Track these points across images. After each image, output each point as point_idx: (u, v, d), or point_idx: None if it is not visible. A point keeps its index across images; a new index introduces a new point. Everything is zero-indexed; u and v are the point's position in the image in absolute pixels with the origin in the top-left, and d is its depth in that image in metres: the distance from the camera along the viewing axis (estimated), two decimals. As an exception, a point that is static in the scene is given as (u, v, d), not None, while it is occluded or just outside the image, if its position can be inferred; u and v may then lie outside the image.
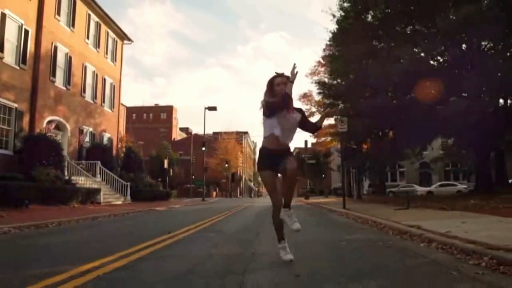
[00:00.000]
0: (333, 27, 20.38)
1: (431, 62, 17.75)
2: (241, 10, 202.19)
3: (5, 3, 15.61)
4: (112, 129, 25.74)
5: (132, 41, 28.14)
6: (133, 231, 7.50)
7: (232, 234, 6.64)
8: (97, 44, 23.37)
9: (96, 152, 21.23)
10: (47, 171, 15.10)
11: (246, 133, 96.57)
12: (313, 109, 36.16)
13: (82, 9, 21.54)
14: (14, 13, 16.07)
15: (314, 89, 37.71)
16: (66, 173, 17.71)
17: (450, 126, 16.13)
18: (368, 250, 4.84)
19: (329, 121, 34.72)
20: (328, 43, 27.14)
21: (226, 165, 64.53)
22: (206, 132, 43.57)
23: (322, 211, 15.07)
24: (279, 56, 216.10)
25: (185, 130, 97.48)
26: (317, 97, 32.54)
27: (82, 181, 18.08)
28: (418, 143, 20.28)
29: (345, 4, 18.39)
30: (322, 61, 32.65)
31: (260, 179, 3.74)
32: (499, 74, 14.52)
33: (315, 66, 34.84)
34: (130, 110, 67.36)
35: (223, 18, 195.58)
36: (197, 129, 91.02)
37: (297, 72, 3.56)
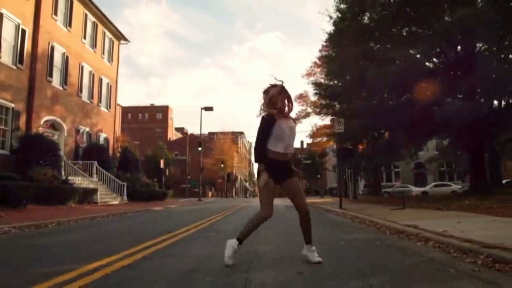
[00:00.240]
0: (330, 28, 20.53)
1: (427, 63, 17.93)
2: (237, 10, 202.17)
3: (2, 2, 15.58)
4: (109, 129, 25.73)
5: (128, 41, 28.16)
6: (133, 231, 7.56)
7: (232, 234, 6.63)
8: (93, 44, 23.36)
9: (92, 152, 21.20)
10: (44, 171, 15.10)
11: (241, 133, 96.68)
12: (309, 110, 36.32)
13: (79, 9, 21.52)
14: (11, 13, 16.04)
15: (310, 90, 37.88)
16: (63, 173, 17.71)
17: (445, 127, 16.29)
18: (367, 249, 4.94)
19: (325, 121, 35.04)
20: (324, 44, 27.37)
21: (222, 165, 64.57)
22: (200, 132, 43.54)
23: (319, 211, 15.18)
24: (275, 56, 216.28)
25: (180, 130, 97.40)
26: (313, 98, 32.69)
27: (79, 181, 18.08)
28: (413, 143, 20.45)
29: (342, 6, 18.51)
30: (318, 61, 32.80)
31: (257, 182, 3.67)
32: (493, 75, 14.69)
33: (311, 66, 34.96)
34: (125, 110, 67.16)
35: (219, 18, 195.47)
36: (192, 129, 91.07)
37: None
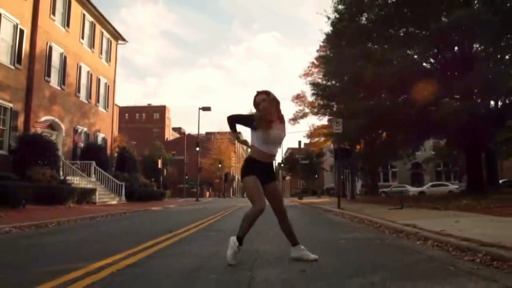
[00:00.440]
0: (328, 29, 20.63)
1: (424, 64, 18.05)
2: (234, 10, 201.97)
3: (0, 2, 15.57)
4: (107, 129, 25.73)
5: (126, 41, 28.16)
6: (134, 231, 7.60)
7: (232, 233, 6.64)
8: (91, 44, 23.35)
9: (90, 152, 21.19)
10: (43, 171, 15.11)
11: (239, 133, 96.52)
12: (306, 110, 36.42)
13: (77, 9, 21.51)
14: (9, 13, 16.03)
15: (307, 90, 37.96)
16: (61, 173, 17.71)
17: (442, 127, 16.41)
18: (367, 248, 5.01)
19: (323, 121, 35.14)
20: (322, 44, 27.45)
21: (219, 165, 64.58)
22: (197, 132, 43.64)
23: (317, 211, 15.25)
24: (271, 56, 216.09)
25: (177, 130, 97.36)
26: (310, 98, 32.76)
27: (77, 181, 18.08)
28: (411, 143, 20.57)
29: (340, 7, 18.59)
30: (315, 62, 32.90)
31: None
32: (490, 76, 14.82)
33: (308, 67, 35.10)
34: (122, 110, 67.10)
35: (216, 18, 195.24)
36: (189, 129, 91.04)
37: None
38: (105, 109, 25.36)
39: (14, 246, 5.38)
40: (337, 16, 19.08)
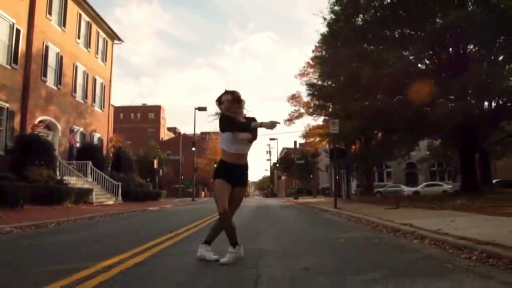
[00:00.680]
0: (324, 29, 20.74)
1: (419, 65, 18.23)
2: (229, 10, 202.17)
3: (-2, 2, 15.57)
4: (103, 129, 25.71)
5: (122, 41, 28.13)
6: (135, 231, 7.67)
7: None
8: (87, 44, 23.33)
9: (86, 152, 21.18)
10: (40, 171, 15.10)
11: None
12: (302, 110, 36.57)
13: (73, 9, 21.49)
14: (6, 12, 16.01)
15: (302, 90, 38.15)
16: (58, 173, 17.71)
17: (437, 127, 16.59)
18: (366, 246, 5.13)
19: (318, 121, 35.32)
20: (317, 44, 27.61)
21: (215, 165, 64.52)
22: (193, 132, 43.61)
23: (314, 210, 15.37)
24: (267, 56, 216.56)
25: (172, 130, 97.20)
26: (306, 99, 32.91)
27: (74, 181, 18.08)
28: (406, 144, 20.75)
29: (336, 8, 18.73)
30: (311, 62, 33.05)
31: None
32: (484, 77, 15.02)
33: (304, 67, 35.24)
34: (117, 110, 66.93)
35: (211, 18, 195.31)
36: (184, 129, 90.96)
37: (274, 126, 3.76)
38: (101, 109, 25.34)
39: (18, 246, 5.43)
40: (333, 17, 19.21)
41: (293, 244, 5.31)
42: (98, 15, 23.93)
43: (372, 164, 30.14)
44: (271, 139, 58.56)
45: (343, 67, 17.98)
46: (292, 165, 54.90)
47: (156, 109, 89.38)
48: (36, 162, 15.55)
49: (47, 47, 18.88)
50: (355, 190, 35.44)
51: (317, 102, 28.79)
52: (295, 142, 55.68)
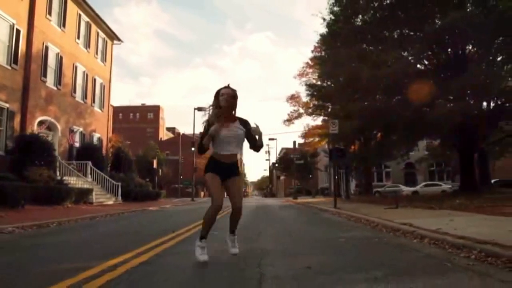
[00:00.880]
0: (323, 30, 20.81)
1: (418, 65, 18.31)
2: (228, 10, 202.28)
3: (-2, 3, 15.60)
4: (102, 129, 25.75)
5: (122, 41, 28.18)
6: (136, 230, 7.72)
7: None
8: (87, 44, 23.37)
9: (86, 152, 21.24)
10: (40, 171, 15.15)
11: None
12: (301, 111, 36.63)
13: (73, 9, 21.53)
14: (6, 13, 16.05)
15: (301, 90, 38.20)
16: (58, 173, 17.75)
17: (436, 127, 16.68)
18: (366, 246, 5.19)
19: (317, 121, 35.40)
20: (316, 45, 27.67)
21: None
22: (193, 132, 43.72)
23: (313, 210, 15.43)
24: (265, 56, 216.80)
25: (171, 130, 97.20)
26: (305, 99, 32.99)
27: (74, 181, 18.12)
28: (405, 144, 20.84)
29: (335, 8, 18.81)
30: (310, 62, 33.11)
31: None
32: (482, 77, 15.11)
33: (303, 67, 35.28)
34: (116, 110, 66.90)
35: (210, 18, 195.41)
36: (183, 129, 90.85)
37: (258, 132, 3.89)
38: (100, 109, 25.38)
39: (22, 246, 5.47)
40: (333, 17, 19.29)
41: (294, 244, 5.37)
42: (98, 16, 23.97)
43: (371, 164, 30.24)
44: (270, 139, 58.63)
45: (342, 68, 18.05)
46: (291, 165, 54.94)
47: (155, 109, 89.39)
48: (36, 162, 15.60)
49: (47, 48, 18.92)
50: (354, 190, 35.52)
51: (316, 103, 28.89)
52: (294, 142, 55.80)
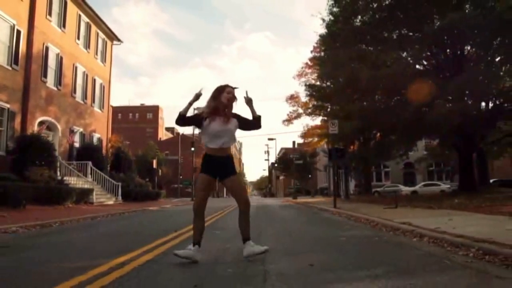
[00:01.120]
0: (322, 30, 20.89)
1: (417, 66, 18.42)
2: (227, 10, 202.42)
3: (-1, 3, 15.66)
4: (102, 129, 25.81)
5: (121, 42, 28.23)
6: (138, 230, 7.81)
7: (237, 232, 6.97)
8: (87, 45, 23.43)
9: (86, 152, 21.30)
10: (41, 171, 15.22)
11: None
12: (300, 111, 36.71)
13: (73, 10, 21.59)
14: (6, 14, 16.10)
15: (301, 90, 38.29)
16: (58, 173, 17.82)
17: (435, 128, 16.78)
18: (366, 244, 5.28)
19: (316, 121, 35.49)
20: (316, 45, 27.77)
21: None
22: (192, 132, 43.80)
23: (313, 210, 15.52)
24: (264, 56, 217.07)
25: (171, 130, 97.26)
26: (304, 99, 33.08)
27: (74, 181, 18.19)
28: (404, 144, 20.94)
29: (335, 9, 18.89)
30: (309, 62, 33.20)
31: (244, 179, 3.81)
32: (481, 78, 15.22)
33: (302, 67, 35.36)
34: (115, 110, 66.97)
35: (209, 18, 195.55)
36: (182, 129, 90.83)
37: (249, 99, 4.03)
38: (100, 109, 25.44)
39: (27, 245, 5.54)
40: (332, 18, 19.36)
41: (295, 243, 5.46)
42: (98, 16, 24.03)
43: (370, 164, 30.35)
44: (269, 139, 58.79)
45: (342, 68, 18.13)
46: (291, 165, 55.09)
47: (154, 109, 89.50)
48: (36, 162, 15.67)
49: (47, 48, 18.98)
50: (354, 190, 35.63)
51: (315, 103, 28.98)
52: (293, 142, 55.96)
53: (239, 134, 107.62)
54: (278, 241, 5.62)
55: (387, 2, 17.54)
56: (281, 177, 70.01)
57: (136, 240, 5.55)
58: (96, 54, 24.78)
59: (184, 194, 51.31)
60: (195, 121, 4.12)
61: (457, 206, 10.47)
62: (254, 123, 4.13)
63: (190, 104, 4.01)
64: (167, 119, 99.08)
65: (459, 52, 17.48)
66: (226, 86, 4.04)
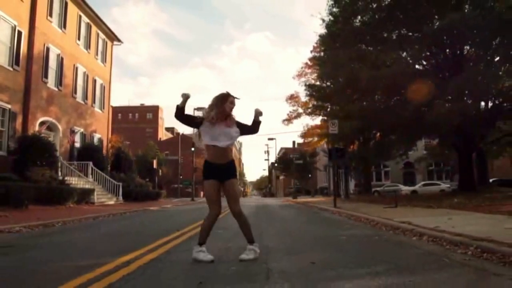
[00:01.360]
0: (322, 31, 20.95)
1: (417, 66, 18.49)
2: (227, 10, 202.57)
3: None
4: (102, 130, 25.86)
5: (122, 42, 28.28)
6: (141, 229, 7.88)
7: (239, 231, 7.04)
8: (87, 45, 23.49)
9: (87, 153, 21.36)
10: (42, 171, 15.29)
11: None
12: (300, 110, 36.79)
13: (73, 11, 21.64)
14: (7, 15, 16.15)
15: (300, 90, 38.35)
16: (59, 173, 17.87)
17: (434, 127, 16.85)
18: (367, 243, 5.35)
19: (316, 121, 35.56)
20: (315, 45, 27.84)
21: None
22: (192, 132, 43.82)
23: (313, 210, 15.59)
24: (264, 56, 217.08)
25: (170, 130, 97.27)
26: (304, 99, 33.15)
27: (75, 181, 18.25)
28: (404, 144, 21.01)
29: (335, 9, 18.95)
30: (309, 62, 33.28)
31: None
32: (480, 78, 15.29)
33: (302, 67, 35.46)
34: (115, 110, 66.98)
35: (208, 18, 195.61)
36: (182, 129, 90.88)
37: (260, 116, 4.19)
38: (101, 109, 25.49)
39: (32, 244, 5.61)
40: (332, 18, 19.42)
41: (296, 242, 5.52)
42: (98, 17, 24.09)
43: (370, 164, 30.41)
44: (269, 139, 58.84)
45: (342, 68, 18.20)
46: (291, 165, 55.15)
47: (154, 109, 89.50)
48: (38, 162, 15.74)
49: (48, 49, 19.03)
50: (354, 190, 35.70)
51: (315, 103, 29.04)
52: (293, 142, 56.02)
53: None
54: (280, 240, 5.68)
55: (386, 3, 17.62)
56: (281, 177, 70.08)
57: (139, 240, 5.62)
58: (97, 54, 24.83)
59: (184, 194, 51.39)
60: (194, 123, 4.15)
61: (456, 206, 10.54)
62: (252, 128, 4.21)
63: (186, 96, 4.06)
64: (167, 119, 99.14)
65: (458, 52, 17.56)
66: (229, 95, 4.08)
